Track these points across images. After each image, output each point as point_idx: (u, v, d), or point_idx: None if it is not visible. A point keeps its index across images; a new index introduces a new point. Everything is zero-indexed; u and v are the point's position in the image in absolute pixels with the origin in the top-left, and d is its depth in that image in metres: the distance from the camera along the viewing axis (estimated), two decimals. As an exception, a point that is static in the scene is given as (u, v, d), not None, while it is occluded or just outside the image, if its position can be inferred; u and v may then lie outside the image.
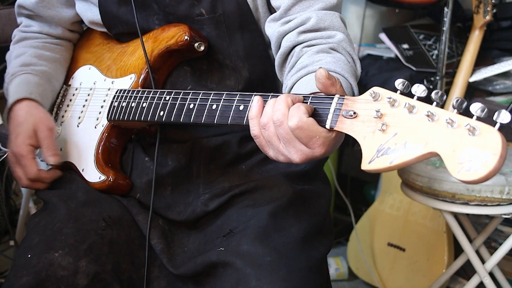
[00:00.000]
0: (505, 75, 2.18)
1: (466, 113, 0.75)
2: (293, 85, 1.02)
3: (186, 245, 1.15)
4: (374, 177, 2.59)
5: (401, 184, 1.88)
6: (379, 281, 2.26)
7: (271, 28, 1.13)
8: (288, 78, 1.05)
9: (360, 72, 1.10)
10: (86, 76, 1.29)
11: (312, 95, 0.87)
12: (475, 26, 2.16)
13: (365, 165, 0.78)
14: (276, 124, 0.85)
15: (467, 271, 2.17)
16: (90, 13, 1.26)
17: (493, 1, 2.11)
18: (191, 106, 1.01)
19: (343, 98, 0.84)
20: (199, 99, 1.00)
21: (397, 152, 0.75)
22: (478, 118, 0.72)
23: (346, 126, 0.82)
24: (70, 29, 1.37)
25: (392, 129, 0.77)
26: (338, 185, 2.50)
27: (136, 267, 1.11)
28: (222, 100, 0.96)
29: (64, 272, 1.01)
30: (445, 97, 0.77)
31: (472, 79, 2.17)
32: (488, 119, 0.72)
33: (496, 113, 0.71)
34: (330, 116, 0.84)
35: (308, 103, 0.86)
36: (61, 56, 1.35)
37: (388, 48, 2.43)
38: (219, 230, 1.13)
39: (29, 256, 1.03)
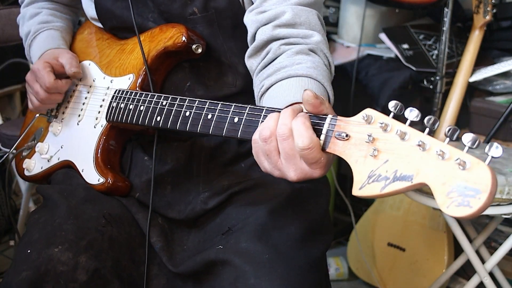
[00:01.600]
0: (505, 75, 2.18)
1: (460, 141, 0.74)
2: (271, 85, 1.02)
3: (186, 243, 1.15)
4: (374, 177, 2.59)
5: (401, 184, 1.88)
6: (379, 281, 2.26)
7: (247, 18, 1.12)
8: (264, 77, 1.04)
9: (334, 74, 1.10)
10: (86, 72, 1.29)
11: (307, 114, 0.85)
12: (475, 26, 2.16)
13: (356, 191, 0.77)
14: (282, 138, 0.83)
15: (467, 271, 2.17)
16: (91, 9, 1.27)
17: (493, 1, 2.11)
18: (187, 113, 1.01)
19: (336, 119, 0.83)
20: (195, 107, 1.00)
21: (388, 180, 0.74)
22: (470, 149, 0.72)
23: (338, 149, 0.81)
24: (71, 4, 1.46)
25: (383, 155, 0.76)
26: (338, 185, 2.50)
27: (136, 265, 1.11)
28: (217, 110, 0.95)
29: (63, 267, 1.01)
30: (437, 124, 0.76)
31: (472, 79, 2.17)
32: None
33: (487, 146, 0.71)
34: (323, 138, 0.82)
35: None
36: (71, 17, 1.44)
37: (388, 48, 2.42)
38: (218, 228, 1.13)
39: (29, 251, 1.04)
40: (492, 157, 0.71)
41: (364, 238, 2.34)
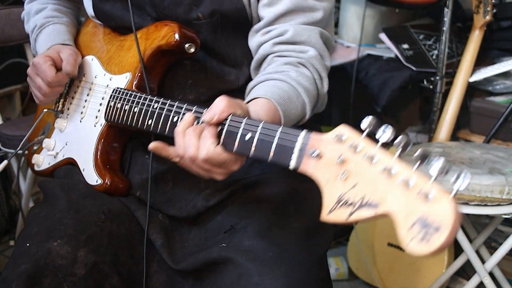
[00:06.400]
0: (505, 75, 2.18)
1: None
2: (254, 86, 1.09)
3: (186, 240, 1.16)
4: (374, 177, 2.58)
5: (401, 184, 1.88)
6: (379, 281, 2.26)
7: (253, 38, 1.16)
8: (253, 80, 1.11)
9: (327, 89, 1.13)
10: (89, 68, 1.30)
11: (281, 129, 0.85)
12: (475, 26, 2.16)
13: (325, 216, 0.75)
14: (192, 159, 0.92)
15: (467, 271, 2.17)
16: (90, 8, 1.28)
17: (493, 1, 2.11)
18: (175, 119, 1.01)
19: (310, 134, 0.81)
20: (182, 112, 1.00)
21: (354, 207, 0.71)
22: (438, 177, 0.67)
23: (310, 169, 0.79)
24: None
25: (352, 179, 0.73)
26: (338, 185, 2.50)
27: (136, 261, 1.12)
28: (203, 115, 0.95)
29: (62, 261, 1.02)
30: (409, 146, 0.71)
31: (472, 79, 2.17)
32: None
33: (455, 176, 0.66)
34: (295, 156, 0.81)
35: (277, 137, 0.84)
36: (74, 12, 1.45)
37: (388, 48, 2.42)
38: (219, 226, 1.13)
39: (28, 244, 1.04)
40: (458, 190, 0.65)
41: (364, 238, 2.34)
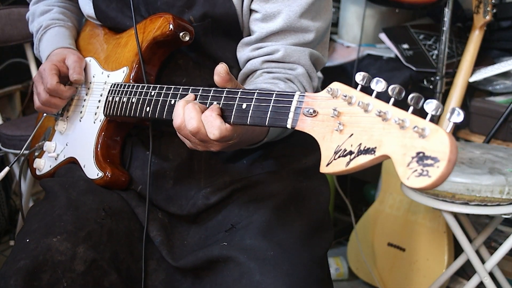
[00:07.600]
0: (505, 75, 2.18)
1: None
2: None
3: (186, 238, 1.16)
4: (374, 177, 2.59)
5: (401, 184, 1.88)
6: (379, 281, 2.26)
7: (242, 51, 1.17)
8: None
9: None
10: (88, 69, 1.31)
11: (276, 92, 0.87)
12: (475, 26, 2.17)
13: (323, 168, 0.76)
14: (193, 132, 0.91)
15: (467, 271, 2.17)
16: (88, 7, 1.29)
17: (493, 1, 2.11)
18: (172, 102, 1.01)
19: (304, 96, 0.83)
20: (179, 95, 1.01)
21: (352, 155, 0.72)
22: (433, 117, 0.69)
23: (307, 126, 0.80)
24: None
25: (348, 129, 0.74)
26: (338, 185, 2.51)
27: (135, 259, 1.12)
28: (199, 96, 0.97)
29: (61, 257, 1.02)
30: (403, 93, 0.73)
31: (472, 79, 2.17)
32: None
33: (449, 112, 0.68)
34: (291, 115, 0.83)
35: (272, 100, 0.87)
36: (79, 17, 1.45)
37: (388, 48, 2.43)
38: (220, 225, 1.14)
39: (27, 240, 1.04)
40: (454, 122, 0.67)
41: (364, 238, 2.34)
